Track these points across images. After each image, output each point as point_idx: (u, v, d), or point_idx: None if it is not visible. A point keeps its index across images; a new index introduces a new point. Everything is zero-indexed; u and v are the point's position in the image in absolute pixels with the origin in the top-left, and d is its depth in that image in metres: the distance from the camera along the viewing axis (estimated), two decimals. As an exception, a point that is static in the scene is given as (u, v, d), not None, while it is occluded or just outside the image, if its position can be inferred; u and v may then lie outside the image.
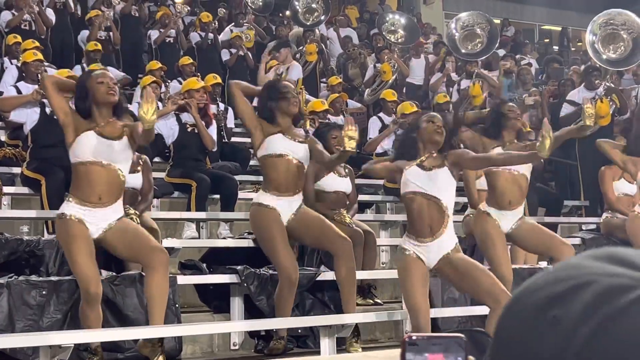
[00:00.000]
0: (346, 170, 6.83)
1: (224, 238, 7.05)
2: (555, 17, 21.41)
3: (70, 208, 4.73)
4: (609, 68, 9.13)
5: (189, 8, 13.59)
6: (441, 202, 4.90)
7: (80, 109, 4.83)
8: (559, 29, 20.67)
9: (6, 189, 6.96)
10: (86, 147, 4.72)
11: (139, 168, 6.08)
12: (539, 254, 6.66)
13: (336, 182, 6.68)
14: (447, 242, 4.98)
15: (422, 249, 4.94)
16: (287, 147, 5.50)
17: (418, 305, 4.93)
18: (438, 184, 4.91)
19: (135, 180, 5.97)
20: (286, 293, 5.53)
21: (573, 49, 19.24)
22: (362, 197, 8.14)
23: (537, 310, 0.74)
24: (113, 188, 4.78)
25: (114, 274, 5.30)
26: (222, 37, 12.94)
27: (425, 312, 4.98)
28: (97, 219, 4.74)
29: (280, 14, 16.25)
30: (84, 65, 10.49)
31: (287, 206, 5.52)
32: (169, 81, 10.02)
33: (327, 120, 8.28)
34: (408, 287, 4.97)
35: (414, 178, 4.92)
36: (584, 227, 8.89)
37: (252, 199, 8.12)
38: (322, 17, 12.30)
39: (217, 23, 13.29)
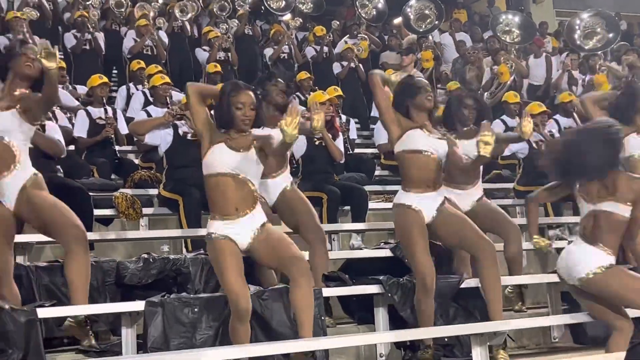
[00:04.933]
0: None
1: (360, 248, 7.02)
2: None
3: (215, 226, 4.77)
4: None
5: (300, 20, 13.69)
6: None
7: (219, 119, 4.87)
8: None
9: (145, 210, 7.12)
10: (217, 159, 4.76)
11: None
12: None
13: None
14: None
15: None
16: (427, 143, 5.45)
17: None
18: None
19: None
20: (423, 298, 5.46)
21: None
22: (493, 202, 7.97)
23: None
24: (246, 197, 4.79)
25: (262, 288, 5.33)
26: (336, 49, 12.99)
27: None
28: (241, 230, 4.76)
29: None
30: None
31: (429, 204, 5.45)
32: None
33: None
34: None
35: None
36: None
37: (382, 209, 8.20)
38: (436, 23, 12.19)
39: (331, 36, 13.35)
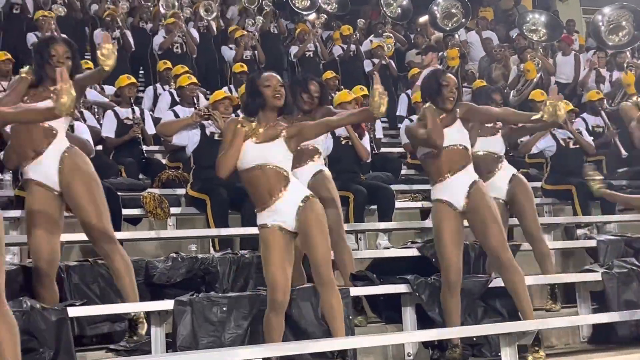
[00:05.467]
0: None
1: (387, 248, 7.02)
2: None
3: (262, 218, 4.81)
4: None
5: (325, 17, 13.69)
6: None
7: (249, 105, 4.90)
8: None
9: (172, 210, 7.17)
10: (244, 156, 4.79)
11: None
12: None
13: None
14: None
15: None
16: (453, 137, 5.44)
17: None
18: None
19: None
20: (447, 295, 5.47)
21: None
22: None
23: None
24: (277, 181, 4.80)
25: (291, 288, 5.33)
26: (362, 48, 12.98)
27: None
28: (283, 212, 4.77)
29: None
30: (231, 87, 10.73)
31: (460, 185, 5.44)
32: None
33: None
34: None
35: None
36: None
37: (408, 208, 8.20)
38: (463, 21, 12.16)
39: (357, 34, 13.35)
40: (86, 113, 8.12)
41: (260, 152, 4.80)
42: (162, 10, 12.49)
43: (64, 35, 5.38)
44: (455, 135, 5.44)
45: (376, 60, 12.40)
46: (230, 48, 12.49)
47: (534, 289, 6.48)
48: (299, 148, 5.05)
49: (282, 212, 4.78)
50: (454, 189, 5.42)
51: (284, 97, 4.84)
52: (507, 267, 5.42)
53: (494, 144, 6.39)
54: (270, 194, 4.78)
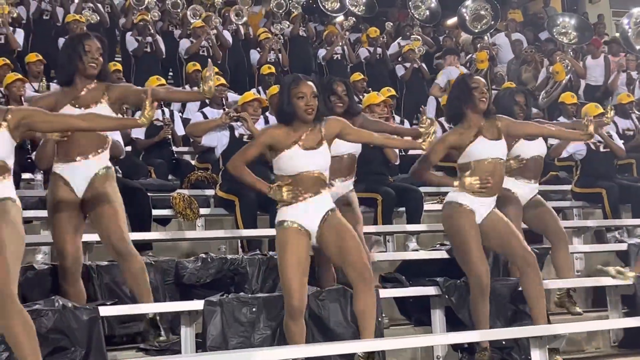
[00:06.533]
0: None
1: (417, 250, 7.01)
2: None
3: (283, 213, 4.75)
4: None
5: (354, 20, 13.69)
6: None
7: (280, 113, 4.86)
8: None
9: (201, 211, 7.20)
10: (290, 162, 4.76)
11: None
12: None
13: None
14: None
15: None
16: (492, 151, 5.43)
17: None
18: None
19: None
20: (479, 300, 5.43)
21: None
22: (550, 204, 7.89)
23: None
24: (314, 183, 4.77)
25: (319, 289, 5.34)
26: (390, 51, 12.97)
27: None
28: (309, 212, 4.75)
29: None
30: (260, 89, 10.76)
31: (483, 207, 5.41)
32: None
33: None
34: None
35: None
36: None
37: (437, 211, 8.16)
38: (492, 23, 12.12)
39: (385, 37, 13.34)
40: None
41: (306, 159, 4.75)
42: (190, 20, 12.58)
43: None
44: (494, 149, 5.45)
45: (408, 64, 12.37)
46: (258, 51, 12.54)
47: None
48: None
49: (308, 211, 4.74)
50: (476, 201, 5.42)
51: (315, 109, 4.79)
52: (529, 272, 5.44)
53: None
54: (302, 190, 4.75)
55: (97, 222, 5.01)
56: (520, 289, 5.86)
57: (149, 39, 11.64)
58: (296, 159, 4.74)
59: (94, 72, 5.03)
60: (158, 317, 5.04)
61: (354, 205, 5.89)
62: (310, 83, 4.79)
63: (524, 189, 6.35)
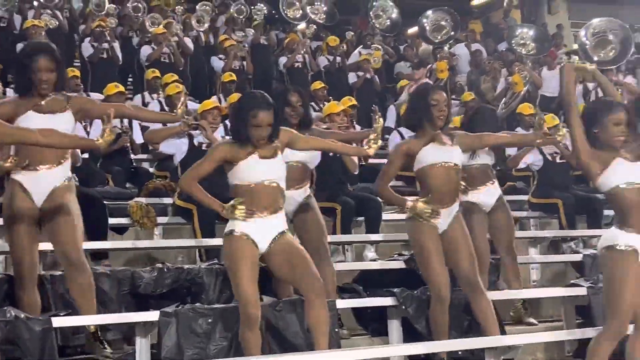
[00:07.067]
0: None
1: (375, 260, 7.02)
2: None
3: (235, 223, 4.71)
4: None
5: (315, 27, 13.72)
6: None
7: (235, 132, 4.84)
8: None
9: (159, 219, 7.15)
10: (247, 172, 4.74)
11: None
12: None
13: None
14: None
15: None
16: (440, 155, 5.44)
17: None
18: None
19: None
20: (438, 311, 5.46)
21: None
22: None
23: None
24: (274, 198, 4.77)
25: (276, 299, 5.33)
26: (350, 59, 13.01)
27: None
28: (261, 230, 4.73)
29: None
30: (220, 96, 10.72)
31: (444, 218, 5.42)
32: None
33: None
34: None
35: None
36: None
37: (396, 220, 8.18)
38: (452, 34, 12.22)
39: (345, 46, 13.38)
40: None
41: (264, 168, 4.74)
42: (149, 29, 12.52)
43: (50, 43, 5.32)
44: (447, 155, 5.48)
45: (360, 73, 12.42)
46: (220, 58, 12.50)
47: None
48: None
49: (261, 228, 4.72)
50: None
51: (267, 137, 4.78)
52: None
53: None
54: (264, 206, 4.73)
55: (53, 232, 4.96)
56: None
57: (105, 45, 11.55)
58: (253, 168, 4.73)
59: (44, 92, 4.98)
60: (99, 332, 5.02)
61: (315, 210, 5.88)
62: (269, 112, 4.73)
63: (484, 196, 6.43)
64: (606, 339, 4.75)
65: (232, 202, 4.70)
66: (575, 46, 13.69)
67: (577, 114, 4.78)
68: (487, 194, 6.57)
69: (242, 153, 4.76)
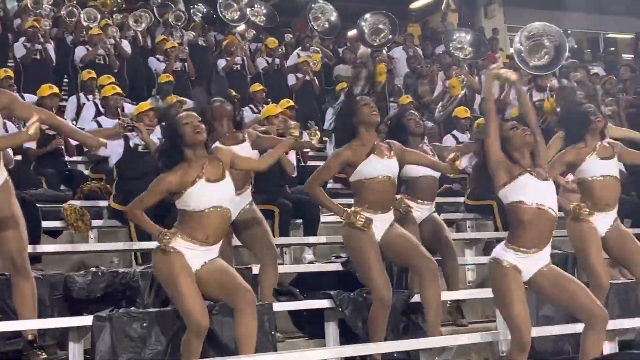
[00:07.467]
0: None
1: (312, 262, 7.03)
2: (625, 24, 20.98)
3: (176, 242, 4.70)
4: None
5: (254, 32, 13.70)
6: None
7: (170, 152, 4.81)
8: (630, 36, 20.22)
9: (94, 222, 7.06)
10: (197, 199, 4.72)
11: None
12: None
13: None
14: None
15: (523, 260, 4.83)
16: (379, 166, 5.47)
17: (522, 320, 4.81)
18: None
19: None
20: (380, 315, 5.47)
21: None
22: (443, 216, 8.04)
23: None
24: (222, 230, 4.81)
25: (212, 302, 5.29)
26: (289, 61, 13.01)
27: (529, 327, 4.91)
28: (196, 255, 4.74)
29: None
30: (157, 97, 10.62)
31: (381, 224, 5.46)
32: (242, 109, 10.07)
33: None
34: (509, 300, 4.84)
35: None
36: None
37: (334, 222, 8.20)
38: (390, 37, 12.31)
39: (284, 48, 13.38)
40: (7, 122, 7.91)
41: (214, 193, 4.74)
42: (84, 23, 12.34)
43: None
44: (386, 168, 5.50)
45: (300, 75, 12.44)
46: (158, 59, 12.38)
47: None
48: None
49: (196, 254, 4.73)
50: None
51: (205, 131, 4.78)
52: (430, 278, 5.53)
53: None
54: (207, 237, 4.73)
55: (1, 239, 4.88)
56: (412, 301, 5.97)
57: (38, 46, 11.36)
58: (204, 194, 4.73)
59: None
60: (36, 338, 4.94)
61: (259, 214, 5.92)
62: (191, 113, 4.83)
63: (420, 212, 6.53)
64: (514, 351, 4.90)
65: (172, 230, 4.70)
66: (511, 50, 13.92)
67: (494, 120, 4.87)
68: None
69: (189, 179, 4.76)
